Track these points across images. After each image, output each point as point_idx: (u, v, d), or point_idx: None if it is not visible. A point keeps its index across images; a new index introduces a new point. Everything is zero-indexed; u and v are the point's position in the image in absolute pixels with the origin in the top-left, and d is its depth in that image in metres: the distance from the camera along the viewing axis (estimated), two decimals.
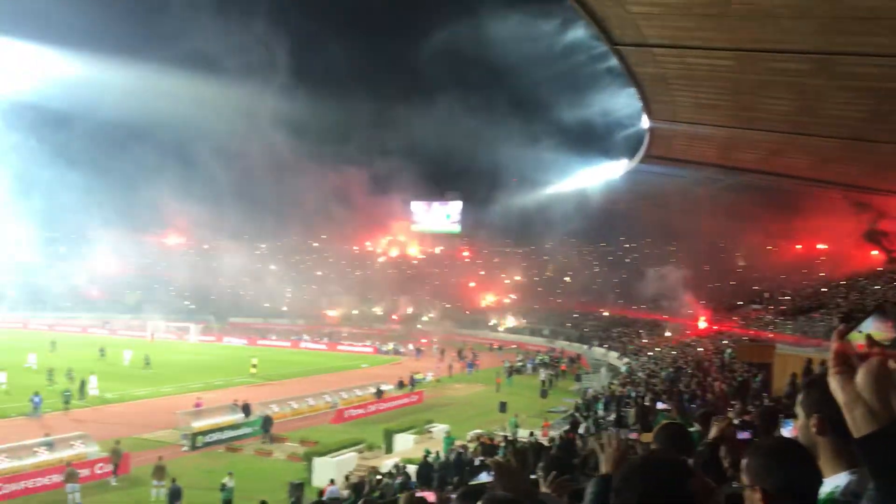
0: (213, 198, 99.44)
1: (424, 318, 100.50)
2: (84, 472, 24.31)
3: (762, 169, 37.33)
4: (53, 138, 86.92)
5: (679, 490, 1.97)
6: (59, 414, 35.89)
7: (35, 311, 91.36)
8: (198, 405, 35.63)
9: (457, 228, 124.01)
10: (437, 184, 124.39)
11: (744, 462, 2.40)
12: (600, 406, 30.85)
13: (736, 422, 6.88)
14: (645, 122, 35.86)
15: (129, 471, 25.92)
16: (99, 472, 25.46)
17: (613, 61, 24.91)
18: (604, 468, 3.28)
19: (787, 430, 4.94)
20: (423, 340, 76.30)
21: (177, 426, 32.26)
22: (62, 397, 37.27)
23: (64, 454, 26.00)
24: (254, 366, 52.45)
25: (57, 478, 23.68)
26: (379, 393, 42.71)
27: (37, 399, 34.91)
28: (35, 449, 26.04)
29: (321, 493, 21.54)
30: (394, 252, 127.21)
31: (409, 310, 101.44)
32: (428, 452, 24.07)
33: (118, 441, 26.67)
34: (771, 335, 38.05)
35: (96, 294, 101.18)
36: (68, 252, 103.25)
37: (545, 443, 21.82)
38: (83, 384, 40.37)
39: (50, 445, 26.39)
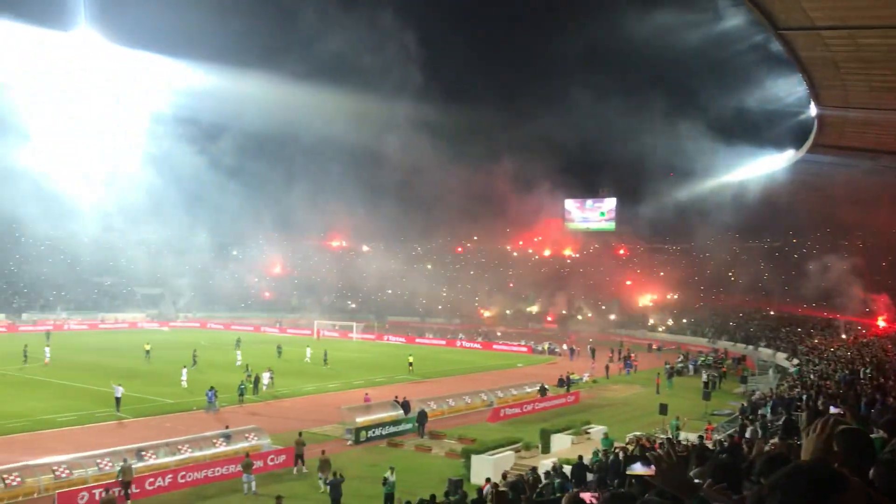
0: (369, 202, 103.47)
1: (579, 318, 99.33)
2: (258, 464, 25.95)
3: None
4: (213, 150, 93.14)
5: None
6: (235, 407, 38.44)
7: (211, 312, 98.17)
8: (367, 400, 37.18)
9: (611, 226, 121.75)
10: (590, 181, 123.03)
11: None
12: (767, 409, 29.38)
13: None
14: (813, 110, 33.88)
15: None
16: (271, 463, 27.05)
17: (776, 47, 23.73)
18: (804, 455, 3.12)
19: None
20: (570, 339, 75.35)
21: (342, 421, 33.66)
22: (238, 390, 39.92)
23: (239, 446, 27.87)
24: (410, 364, 54.03)
25: (234, 468, 25.36)
26: (543, 391, 43.23)
27: (210, 393, 37.49)
28: (214, 440, 28.04)
29: (480, 490, 21.78)
30: (547, 251, 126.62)
31: (564, 310, 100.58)
32: (596, 455, 23.82)
33: (300, 433, 28.49)
34: None
35: (267, 295, 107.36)
36: (240, 255, 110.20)
37: (709, 446, 21.06)
38: (257, 380, 42.89)
39: (227, 437, 28.31)
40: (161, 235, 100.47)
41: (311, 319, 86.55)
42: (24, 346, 52.92)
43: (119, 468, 23.30)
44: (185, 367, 45.50)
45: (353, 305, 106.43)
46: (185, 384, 43.41)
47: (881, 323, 55.40)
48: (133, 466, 23.71)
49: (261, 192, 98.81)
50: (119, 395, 35.79)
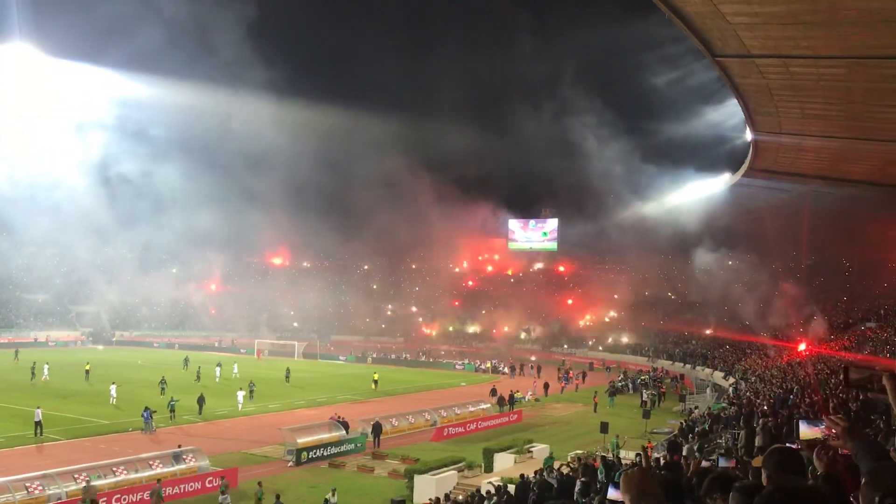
0: (314, 221, 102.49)
1: (522, 336, 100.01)
2: (195, 486, 25.37)
3: (877, 181, 35.62)
4: (152, 164, 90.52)
5: None
6: (172, 428, 37.50)
7: (148, 330, 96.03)
8: (333, 418, 36.62)
9: (553, 245, 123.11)
10: (533, 201, 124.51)
11: None
12: (706, 427, 29.93)
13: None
14: (749, 135, 34.93)
15: (237, 485, 26.69)
16: (209, 485, 26.41)
17: (715, 73, 24.45)
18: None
19: None
20: (511, 358, 76.03)
21: (283, 441, 33.12)
22: (168, 407, 39.18)
23: (178, 468, 27.17)
24: (375, 381, 54.94)
25: (172, 490, 24.70)
26: (501, 402, 46.45)
27: (146, 414, 36.53)
28: (150, 462, 27.25)
29: None
30: (489, 267, 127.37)
31: (506, 328, 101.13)
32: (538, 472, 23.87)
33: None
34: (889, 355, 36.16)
35: (207, 314, 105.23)
36: (179, 273, 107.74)
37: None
38: (202, 399, 41.71)
39: (167, 459, 27.54)
40: (98, 252, 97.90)
41: (252, 338, 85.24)
42: (33, 363, 52.91)
43: (83, 488, 22.98)
44: (113, 383, 44.35)
45: (296, 324, 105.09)
46: (114, 401, 42.58)
47: (813, 343, 56.83)
48: (95, 485, 23.39)
49: (201, 208, 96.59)
50: (39, 419, 34.37)
